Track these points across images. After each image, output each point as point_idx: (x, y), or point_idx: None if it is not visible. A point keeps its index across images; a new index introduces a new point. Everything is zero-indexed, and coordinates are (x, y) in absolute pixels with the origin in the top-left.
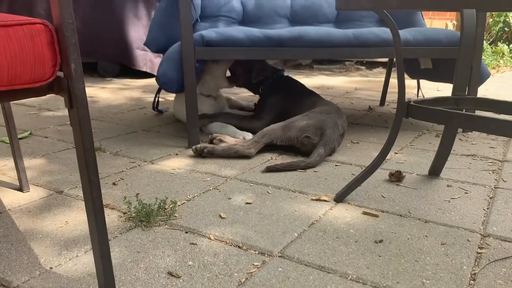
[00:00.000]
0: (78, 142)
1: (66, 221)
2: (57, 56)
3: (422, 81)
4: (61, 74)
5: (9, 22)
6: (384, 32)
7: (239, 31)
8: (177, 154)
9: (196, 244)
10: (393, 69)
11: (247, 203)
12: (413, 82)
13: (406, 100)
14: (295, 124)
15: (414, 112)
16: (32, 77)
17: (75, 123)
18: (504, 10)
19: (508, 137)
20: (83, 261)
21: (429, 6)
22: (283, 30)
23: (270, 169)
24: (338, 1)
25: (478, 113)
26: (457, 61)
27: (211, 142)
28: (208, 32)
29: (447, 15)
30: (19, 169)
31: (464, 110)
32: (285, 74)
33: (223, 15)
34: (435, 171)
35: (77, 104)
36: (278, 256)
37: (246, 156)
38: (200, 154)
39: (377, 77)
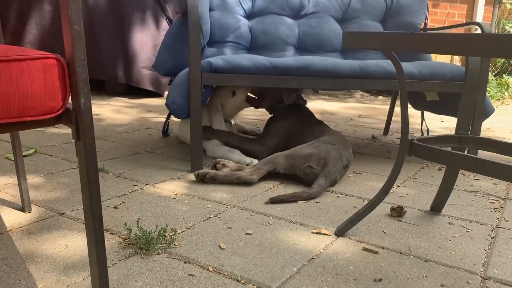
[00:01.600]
0: (83, 174)
1: (66, 245)
2: (67, 89)
3: (426, 112)
4: (69, 105)
5: (23, 56)
6: (390, 65)
7: (246, 59)
8: (179, 178)
9: (194, 275)
10: (398, 97)
11: (247, 233)
12: (418, 112)
13: (409, 138)
14: (298, 152)
15: (416, 150)
16: (42, 110)
17: (81, 155)
18: (508, 57)
19: (508, 181)
20: None
21: (434, 50)
22: (289, 59)
23: (274, 201)
24: (345, 40)
25: (481, 153)
26: (462, 100)
27: (214, 166)
28: (216, 59)
29: None
30: (22, 189)
31: (467, 149)
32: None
33: (231, 41)
34: (436, 207)
35: (84, 137)
36: None
37: (248, 183)
38: (202, 180)
39: (381, 104)
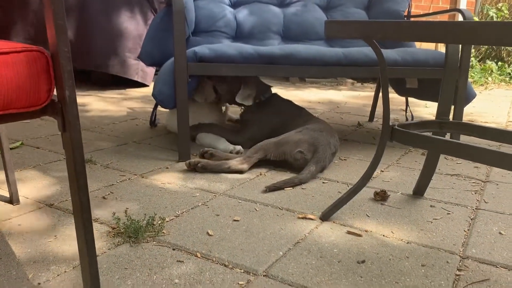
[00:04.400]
0: (70, 165)
1: (55, 235)
2: (51, 81)
3: (410, 98)
4: (55, 97)
5: (7, 49)
6: (373, 52)
7: (231, 48)
8: (167, 168)
9: (183, 261)
10: None
11: (235, 220)
12: (403, 98)
13: (391, 124)
14: (288, 139)
15: (398, 136)
16: (27, 102)
17: (68, 147)
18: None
19: (488, 164)
20: (71, 277)
21: (412, 38)
22: (274, 47)
23: (271, 189)
24: (328, 29)
25: (463, 138)
26: (442, 85)
27: (202, 155)
28: (201, 48)
29: None
30: (10, 182)
31: (449, 134)
32: (276, 86)
33: (217, 30)
34: (419, 191)
35: (70, 128)
36: (263, 275)
37: (239, 171)
38: (193, 169)
39: (367, 91)
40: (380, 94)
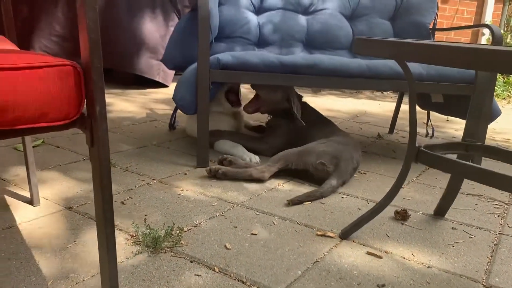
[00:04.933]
0: (96, 179)
1: (74, 241)
2: (82, 96)
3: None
4: (84, 111)
5: (40, 63)
6: (397, 65)
7: (254, 56)
8: (185, 174)
9: (200, 275)
10: (405, 96)
11: (253, 233)
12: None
13: (417, 145)
14: (311, 149)
15: (423, 158)
16: (58, 116)
17: (95, 161)
18: None
19: (510, 192)
20: (90, 286)
21: (449, 64)
22: (297, 57)
23: (294, 202)
24: (357, 46)
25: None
26: (471, 103)
27: (220, 162)
28: (225, 55)
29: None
30: (31, 183)
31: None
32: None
33: (240, 36)
34: (440, 211)
35: (98, 143)
36: None
37: (260, 180)
38: (214, 175)
39: (388, 101)
40: (402, 105)
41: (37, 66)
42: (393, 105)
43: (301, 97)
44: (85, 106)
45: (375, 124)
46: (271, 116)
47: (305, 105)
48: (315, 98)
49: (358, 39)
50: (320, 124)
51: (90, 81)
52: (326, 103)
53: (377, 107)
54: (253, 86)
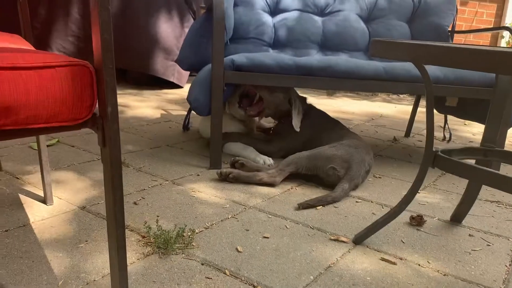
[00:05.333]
0: (108, 179)
1: (86, 240)
2: (94, 96)
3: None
4: (96, 111)
5: (52, 63)
6: (415, 68)
7: (269, 58)
8: (198, 175)
9: (211, 278)
10: (421, 99)
11: (265, 237)
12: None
13: (434, 149)
14: (321, 153)
15: (440, 163)
16: (69, 116)
17: (106, 162)
18: None
19: None
20: (100, 287)
21: (472, 67)
22: (313, 58)
23: (304, 206)
24: (373, 48)
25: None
26: (490, 108)
27: (232, 165)
28: (239, 57)
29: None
30: (45, 182)
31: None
32: (308, 94)
33: (254, 37)
34: (457, 217)
35: (110, 144)
36: None
37: (271, 184)
38: (224, 179)
39: (404, 104)
40: (418, 109)
41: (49, 65)
42: (409, 108)
43: (305, 99)
44: (97, 106)
45: (391, 127)
46: (276, 122)
47: (311, 108)
48: (329, 100)
49: (375, 41)
50: (330, 126)
51: (102, 81)
52: (341, 105)
53: (393, 110)
54: (254, 88)
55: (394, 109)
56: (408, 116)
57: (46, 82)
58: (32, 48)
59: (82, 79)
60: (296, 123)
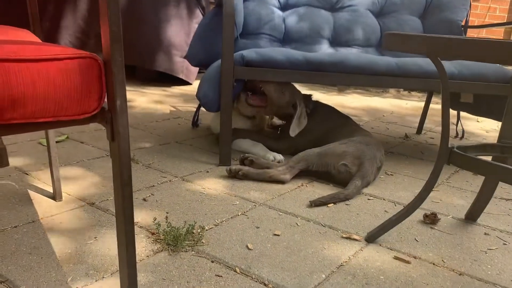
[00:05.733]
0: (116, 174)
1: (95, 237)
2: (103, 89)
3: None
4: (105, 105)
5: (60, 55)
6: (428, 63)
7: (279, 53)
8: (207, 172)
9: (221, 276)
10: (433, 96)
11: (275, 234)
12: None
13: (449, 146)
14: (332, 150)
15: (456, 159)
16: (78, 110)
17: (115, 156)
18: None
19: None
20: (109, 283)
21: (489, 60)
22: (324, 54)
23: (316, 204)
24: (387, 42)
25: None
26: (508, 104)
27: (242, 162)
28: (249, 52)
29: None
30: (54, 178)
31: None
32: (318, 91)
33: (265, 33)
34: (472, 216)
35: (119, 138)
36: None
37: (281, 181)
38: (234, 176)
39: (414, 101)
40: (430, 106)
41: (57, 58)
42: (420, 105)
43: (310, 96)
44: (105, 100)
45: (402, 124)
46: (285, 122)
47: (318, 104)
48: (339, 96)
49: (389, 34)
50: (340, 123)
51: (111, 74)
52: (351, 101)
53: (404, 106)
54: (260, 82)
55: (405, 105)
56: (419, 113)
57: (54, 74)
58: (39, 41)
59: (91, 72)
60: (294, 128)
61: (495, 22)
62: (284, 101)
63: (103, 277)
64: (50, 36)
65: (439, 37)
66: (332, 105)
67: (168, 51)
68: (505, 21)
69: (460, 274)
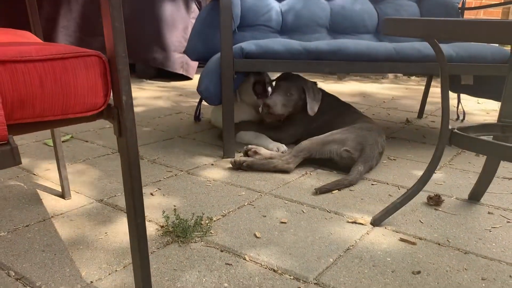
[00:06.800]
0: (125, 169)
1: (105, 232)
2: (108, 86)
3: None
4: (111, 101)
5: (66, 54)
6: (426, 47)
7: (278, 44)
8: (212, 164)
9: (231, 264)
10: (433, 79)
11: (282, 222)
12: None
13: (450, 127)
14: (334, 137)
15: (457, 140)
16: (85, 107)
17: (123, 151)
18: None
19: None
20: (122, 276)
21: (486, 40)
22: (322, 42)
23: (322, 191)
24: (385, 27)
25: None
26: (506, 84)
27: (245, 153)
28: (248, 44)
29: None
30: (62, 176)
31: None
32: (315, 78)
33: (262, 24)
34: (475, 195)
35: (126, 133)
36: (314, 283)
37: (285, 171)
38: (238, 167)
39: (412, 85)
40: (430, 89)
41: (62, 57)
42: (418, 90)
43: (315, 83)
44: (111, 96)
45: (402, 109)
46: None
47: (321, 93)
48: (338, 84)
49: (387, 19)
50: (342, 110)
51: (115, 70)
52: (351, 89)
53: (403, 92)
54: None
55: (405, 91)
56: (418, 97)
57: (60, 73)
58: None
59: (96, 69)
60: (312, 106)
61: (492, 3)
62: (293, 101)
63: (116, 270)
64: (48, 36)
65: (436, 20)
66: (332, 94)
67: (167, 47)
68: (502, 1)
69: (465, 253)
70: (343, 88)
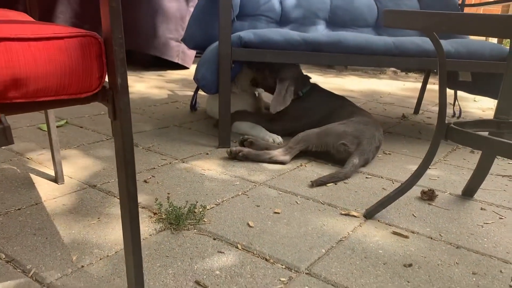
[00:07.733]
0: (119, 154)
1: (98, 218)
2: (104, 68)
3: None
4: (106, 84)
5: (60, 34)
6: (425, 42)
7: (277, 34)
8: (207, 154)
9: (223, 253)
10: (431, 76)
11: (275, 212)
12: (450, 90)
13: (446, 122)
14: (331, 130)
15: (453, 135)
16: (79, 88)
17: (118, 135)
18: None
19: None
20: (113, 262)
21: (486, 33)
22: (321, 34)
23: (318, 183)
24: (386, 19)
25: None
26: (504, 81)
27: (241, 144)
28: (246, 33)
29: None
30: (56, 161)
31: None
32: (315, 73)
33: (262, 14)
34: (469, 191)
35: (120, 116)
36: (305, 273)
37: (281, 162)
38: (234, 157)
39: (411, 81)
40: (427, 87)
41: (57, 36)
42: (416, 86)
43: (308, 78)
44: (106, 79)
45: (399, 104)
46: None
47: (315, 89)
48: (336, 79)
49: (388, 11)
50: (338, 104)
51: (111, 52)
52: (349, 83)
53: (401, 87)
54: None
55: (402, 86)
56: (416, 94)
57: (55, 53)
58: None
59: (91, 50)
60: (273, 104)
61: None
62: (267, 78)
63: (107, 256)
64: (45, 21)
65: (436, 13)
66: (329, 88)
67: (164, 35)
68: None
69: (457, 247)
70: (342, 83)
